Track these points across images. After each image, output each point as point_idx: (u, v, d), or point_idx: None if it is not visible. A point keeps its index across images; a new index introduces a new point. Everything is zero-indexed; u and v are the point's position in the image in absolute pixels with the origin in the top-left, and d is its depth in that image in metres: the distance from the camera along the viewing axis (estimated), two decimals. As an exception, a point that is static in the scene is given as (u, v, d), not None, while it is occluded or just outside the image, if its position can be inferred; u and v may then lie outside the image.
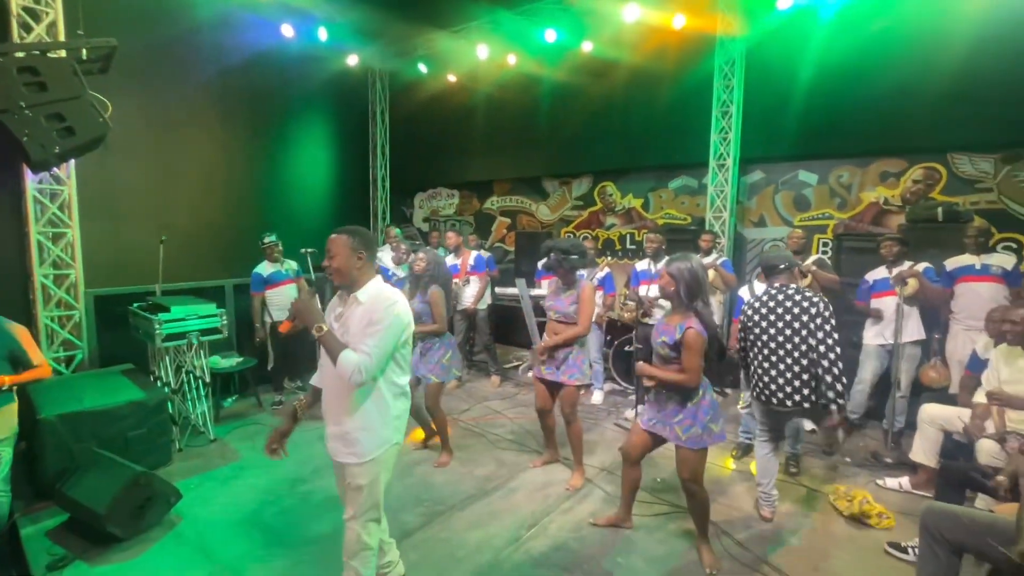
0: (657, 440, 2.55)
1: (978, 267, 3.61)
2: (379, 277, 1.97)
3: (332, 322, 1.92)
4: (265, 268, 4.67)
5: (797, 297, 2.67)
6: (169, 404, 3.62)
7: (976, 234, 3.64)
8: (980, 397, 2.87)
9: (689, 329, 2.30)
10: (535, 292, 5.06)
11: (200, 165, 5.43)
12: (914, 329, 3.71)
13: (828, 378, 2.57)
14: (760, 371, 2.74)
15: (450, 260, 5.47)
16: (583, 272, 3.36)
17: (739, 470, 3.50)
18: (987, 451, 2.62)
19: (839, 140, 4.93)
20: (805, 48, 4.88)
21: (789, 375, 2.63)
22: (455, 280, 5.28)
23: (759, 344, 2.75)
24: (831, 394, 2.56)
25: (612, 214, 6.52)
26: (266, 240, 4.69)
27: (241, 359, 4.70)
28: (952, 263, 3.73)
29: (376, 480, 1.90)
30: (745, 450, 3.68)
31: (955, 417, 2.98)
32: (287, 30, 6.03)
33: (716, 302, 4.65)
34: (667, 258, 2.55)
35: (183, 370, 3.87)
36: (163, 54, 4.98)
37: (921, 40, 4.36)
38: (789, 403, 2.64)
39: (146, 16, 4.83)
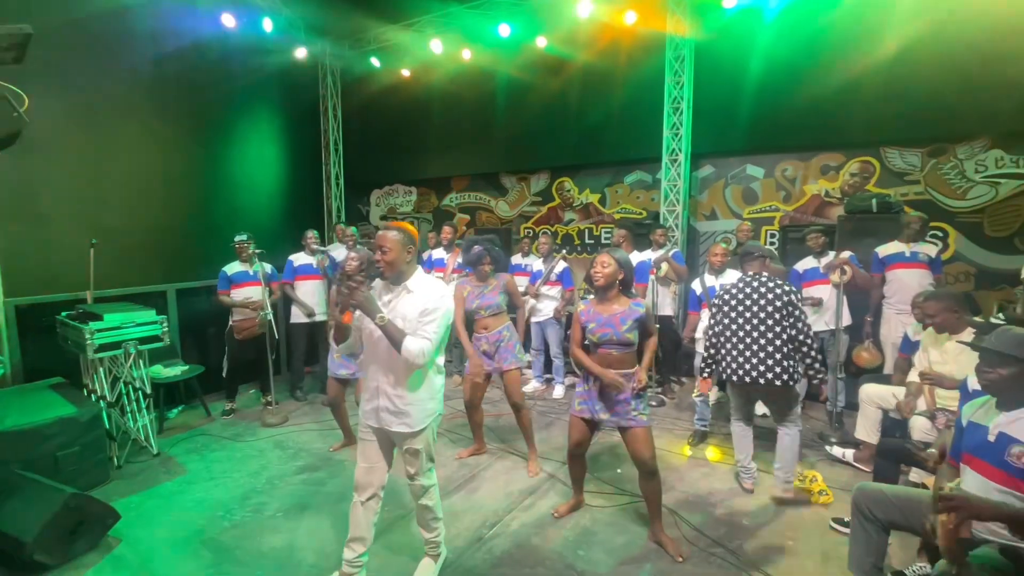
0: (593, 427, 2.68)
1: (908, 255, 3.85)
2: (421, 269, 2.22)
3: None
4: (232, 268, 4.45)
5: (770, 284, 2.86)
6: (105, 418, 3.38)
7: (919, 224, 3.88)
8: (913, 377, 3.06)
9: (641, 303, 2.57)
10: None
11: (134, 162, 5.07)
12: (843, 315, 3.93)
13: (808, 360, 2.86)
14: (735, 351, 2.89)
15: (438, 254, 5.36)
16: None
17: (695, 457, 3.60)
18: (920, 427, 2.79)
19: (783, 135, 5.14)
20: (751, 47, 5.05)
21: (762, 355, 2.81)
22: (437, 274, 5.17)
23: (734, 327, 2.90)
24: (812, 373, 2.90)
25: (570, 209, 6.57)
26: (236, 239, 4.45)
27: (186, 367, 4.45)
28: (883, 251, 3.96)
29: (428, 443, 2.23)
30: (701, 437, 3.79)
31: (891, 396, 3.16)
32: (228, 20, 5.73)
33: (670, 293, 4.76)
34: (607, 250, 2.62)
35: (121, 381, 3.62)
36: (87, 42, 4.60)
37: (855, 42, 4.60)
38: (762, 381, 2.80)
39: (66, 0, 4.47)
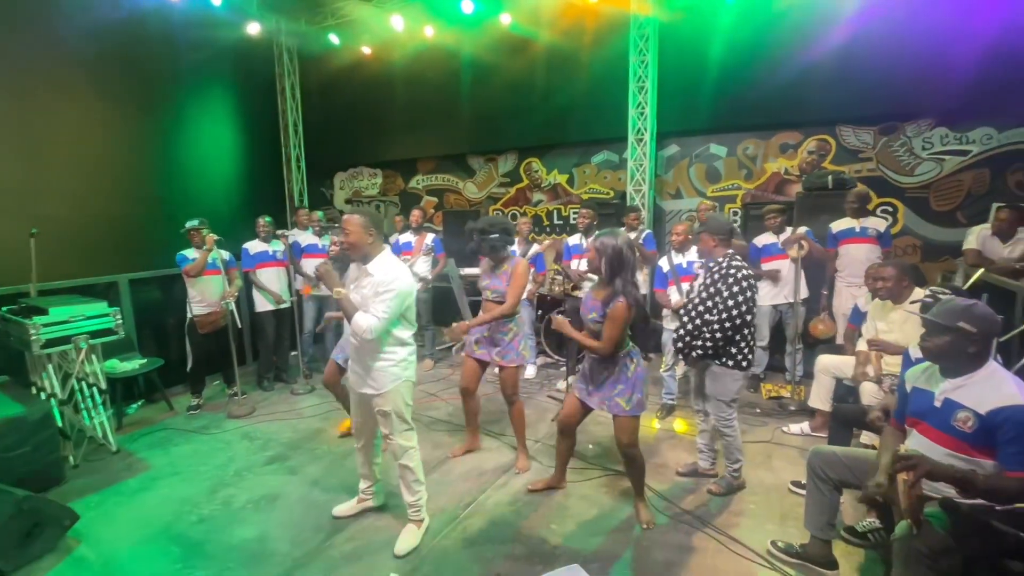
0: (588, 408, 2.64)
1: (858, 230, 4.02)
2: (388, 250, 2.38)
3: (350, 287, 2.40)
4: (190, 253, 4.19)
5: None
6: (57, 416, 3.23)
7: (855, 200, 4.04)
8: (862, 346, 3.22)
9: (619, 303, 2.36)
10: (467, 271, 5.01)
11: (75, 145, 4.75)
12: (801, 288, 4.09)
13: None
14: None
15: (406, 238, 5.27)
16: (515, 249, 3.39)
17: (664, 429, 3.72)
18: (869, 392, 2.96)
19: (745, 114, 5.24)
20: (713, 27, 5.10)
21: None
22: (405, 257, 5.12)
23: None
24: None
25: (539, 190, 6.56)
26: (187, 226, 4.17)
27: (144, 361, 4.27)
28: (836, 226, 4.13)
29: (397, 405, 2.41)
30: (668, 411, 3.91)
31: (844, 365, 3.32)
32: (170, -9, 5.37)
33: (640, 275, 4.84)
34: (596, 233, 2.58)
35: (72, 378, 3.45)
36: (14, 11, 4.25)
37: (814, 23, 4.70)
38: None
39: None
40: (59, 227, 4.36)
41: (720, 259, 2.73)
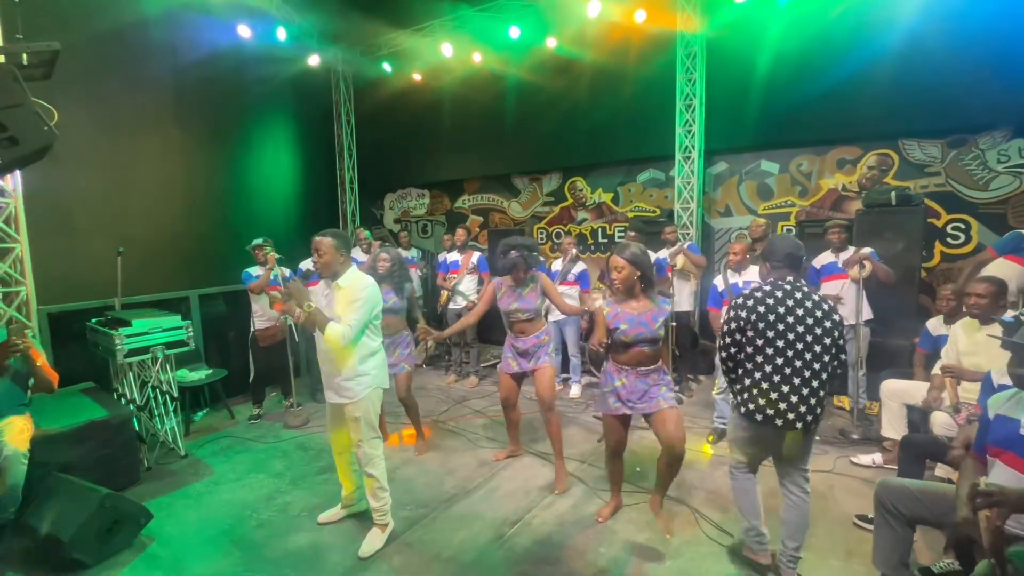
0: (627, 425, 2.67)
1: None
2: (355, 267, 2.55)
3: (321, 301, 2.52)
4: (255, 270, 4.45)
5: (817, 297, 2.16)
6: (135, 421, 3.48)
7: None
8: (938, 370, 3.01)
9: (667, 300, 2.59)
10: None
11: (156, 172, 5.21)
12: (864, 309, 3.87)
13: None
14: (765, 381, 2.14)
15: (452, 257, 5.45)
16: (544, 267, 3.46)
17: (717, 455, 3.58)
18: (940, 423, 2.76)
19: (798, 129, 5.09)
20: (763, 40, 5.01)
21: (806, 391, 2.11)
22: (452, 276, 5.30)
23: (765, 349, 2.15)
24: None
25: (583, 209, 6.58)
26: (253, 244, 4.45)
27: (210, 371, 4.55)
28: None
29: (367, 412, 2.55)
30: (720, 435, 3.77)
31: (913, 390, 3.12)
32: (243, 30, 5.85)
33: (689, 288, 4.75)
34: (617, 247, 2.56)
35: (148, 385, 3.73)
36: (110, 56, 4.75)
37: (871, 31, 4.54)
38: (799, 424, 2.11)
39: (89, 16, 4.60)
40: (140, 245, 4.76)
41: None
